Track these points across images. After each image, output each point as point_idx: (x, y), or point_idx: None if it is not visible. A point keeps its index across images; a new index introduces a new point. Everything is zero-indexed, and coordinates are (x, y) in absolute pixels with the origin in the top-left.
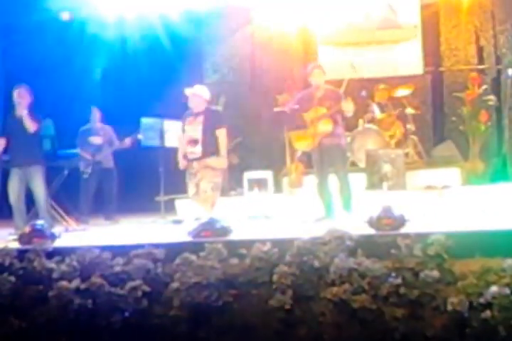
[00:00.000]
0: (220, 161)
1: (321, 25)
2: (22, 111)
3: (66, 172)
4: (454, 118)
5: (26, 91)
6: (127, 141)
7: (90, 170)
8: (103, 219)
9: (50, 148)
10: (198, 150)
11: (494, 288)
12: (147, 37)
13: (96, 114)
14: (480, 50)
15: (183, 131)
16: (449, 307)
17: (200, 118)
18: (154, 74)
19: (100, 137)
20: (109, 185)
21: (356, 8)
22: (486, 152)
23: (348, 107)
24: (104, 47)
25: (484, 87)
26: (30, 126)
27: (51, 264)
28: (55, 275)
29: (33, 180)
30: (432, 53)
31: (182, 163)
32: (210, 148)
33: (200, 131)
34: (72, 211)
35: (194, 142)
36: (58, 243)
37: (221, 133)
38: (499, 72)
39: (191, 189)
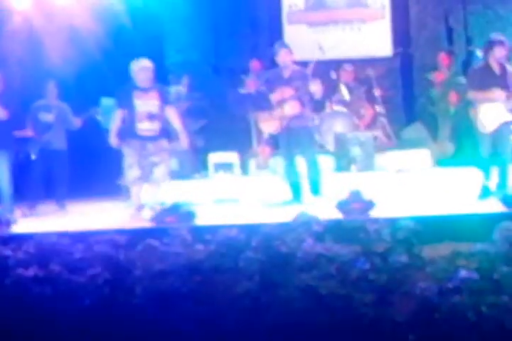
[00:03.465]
0: (185, 142)
1: (288, 4)
2: None
3: (21, 156)
4: (423, 100)
5: None
6: (77, 121)
7: (36, 150)
8: (54, 205)
9: None
10: (156, 126)
11: (463, 273)
12: (106, 15)
13: (53, 90)
14: (450, 31)
15: (129, 106)
16: (418, 292)
17: (154, 94)
18: (113, 53)
19: (52, 115)
20: (60, 168)
21: None
22: (455, 134)
23: (317, 89)
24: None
25: (454, 68)
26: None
27: (7, 251)
28: (11, 262)
29: None
30: (401, 34)
31: (115, 141)
32: (166, 126)
33: (156, 106)
34: (29, 196)
35: (152, 117)
36: (15, 229)
37: (172, 112)
38: (470, 53)
39: (135, 171)
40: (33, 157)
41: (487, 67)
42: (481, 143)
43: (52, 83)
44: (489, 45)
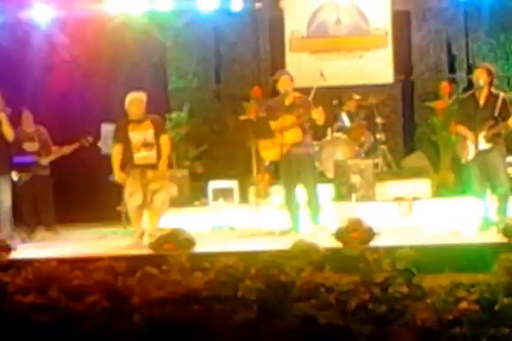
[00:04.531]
0: (164, 169)
1: (291, 31)
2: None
3: (23, 180)
4: (424, 129)
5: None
6: (66, 149)
7: (27, 178)
8: (44, 230)
9: None
10: (153, 154)
11: (464, 304)
12: (111, 40)
13: (28, 117)
14: (452, 58)
15: (125, 139)
16: (418, 323)
17: (147, 123)
18: (117, 79)
19: (36, 143)
20: (45, 193)
21: (326, 13)
22: (457, 163)
23: (319, 116)
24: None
25: (455, 96)
26: (10, 132)
27: (6, 277)
28: (10, 288)
29: (1, 189)
30: (403, 61)
31: (120, 176)
32: (160, 154)
33: (151, 134)
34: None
35: (149, 146)
36: (14, 255)
37: (166, 140)
38: (471, 81)
39: (136, 199)
40: (22, 183)
41: (471, 97)
42: (470, 173)
43: (26, 111)
44: (473, 73)
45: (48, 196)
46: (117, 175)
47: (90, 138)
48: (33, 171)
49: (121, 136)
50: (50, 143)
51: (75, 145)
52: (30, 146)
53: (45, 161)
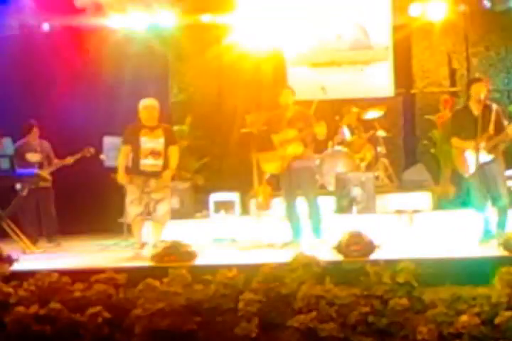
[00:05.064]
0: (168, 178)
1: (292, 45)
2: None
3: (25, 192)
4: (425, 142)
5: None
6: (68, 160)
7: (28, 189)
8: (46, 242)
9: (9, 168)
10: (159, 162)
11: (464, 318)
12: (114, 54)
13: (35, 130)
14: (452, 72)
15: (135, 142)
16: (419, 337)
17: (159, 132)
18: (120, 92)
19: (39, 154)
20: (47, 205)
21: (328, 28)
22: (457, 176)
23: (321, 130)
24: (69, 62)
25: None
26: None
27: (8, 289)
28: (12, 300)
29: None
30: (404, 75)
31: (123, 177)
32: (167, 164)
33: (162, 144)
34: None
35: (157, 154)
36: (16, 266)
37: (175, 151)
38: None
39: (136, 208)
40: (24, 194)
41: (466, 109)
42: (471, 185)
43: (35, 125)
44: (467, 85)
45: (50, 208)
46: (120, 176)
47: (92, 150)
48: (35, 183)
49: (131, 139)
50: (53, 156)
51: (76, 156)
52: (32, 157)
53: (46, 171)
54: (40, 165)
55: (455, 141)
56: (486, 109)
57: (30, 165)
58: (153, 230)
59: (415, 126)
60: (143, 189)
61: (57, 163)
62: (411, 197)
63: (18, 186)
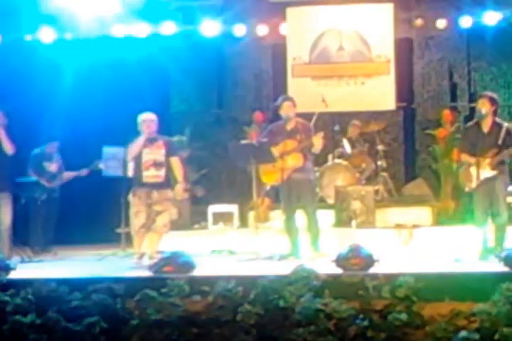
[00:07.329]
0: (181, 192)
1: (293, 57)
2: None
3: (23, 200)
4: (424, 156)
5: (1, 112)
6: (84, 172)
7: (44, 198)
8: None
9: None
10: (162, 173)
11: (464, 333)
12: (114, 63)
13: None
14: (454, 86)
15: (135, 155)
16: None
17: (159, 143)
18: (119, 102)
19: (55, 164)
20: (54, 214)
21: (329, 40)
22: (458, 191)
23: (317, 143)
24: (70, 72)
25: (457, 124)
26: (9, 147)
27: (5, 297)
28: (9, 308)
29: (1, 207)
30: (405, 89)
31: None
32: (170, 175)
33: (163, 155)
34: (29, 241)
35: (159, 165)
36: (13, 275)
37: (177, 162)
38: (472, 110)
39: (140, 219)
40: (39, 203)
41: (475, 125)
42: (473, 201)
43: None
44: (477, 101)
45: (55, 218)
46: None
47: (102, 165)
48: (48, 193)
49: (135, 152)
50: (63, 168)
51: (86, 171)
52: (49, 166)
53: (58, 183)
54: (55, 176)
55: (463, 156)
56: (496, 125)
57: (46, 174)
58: (149, 241)
59: (416, 140)
60: (146, 201)
61: (67, 176)
62: (411, 212)
63: (36, 194)
